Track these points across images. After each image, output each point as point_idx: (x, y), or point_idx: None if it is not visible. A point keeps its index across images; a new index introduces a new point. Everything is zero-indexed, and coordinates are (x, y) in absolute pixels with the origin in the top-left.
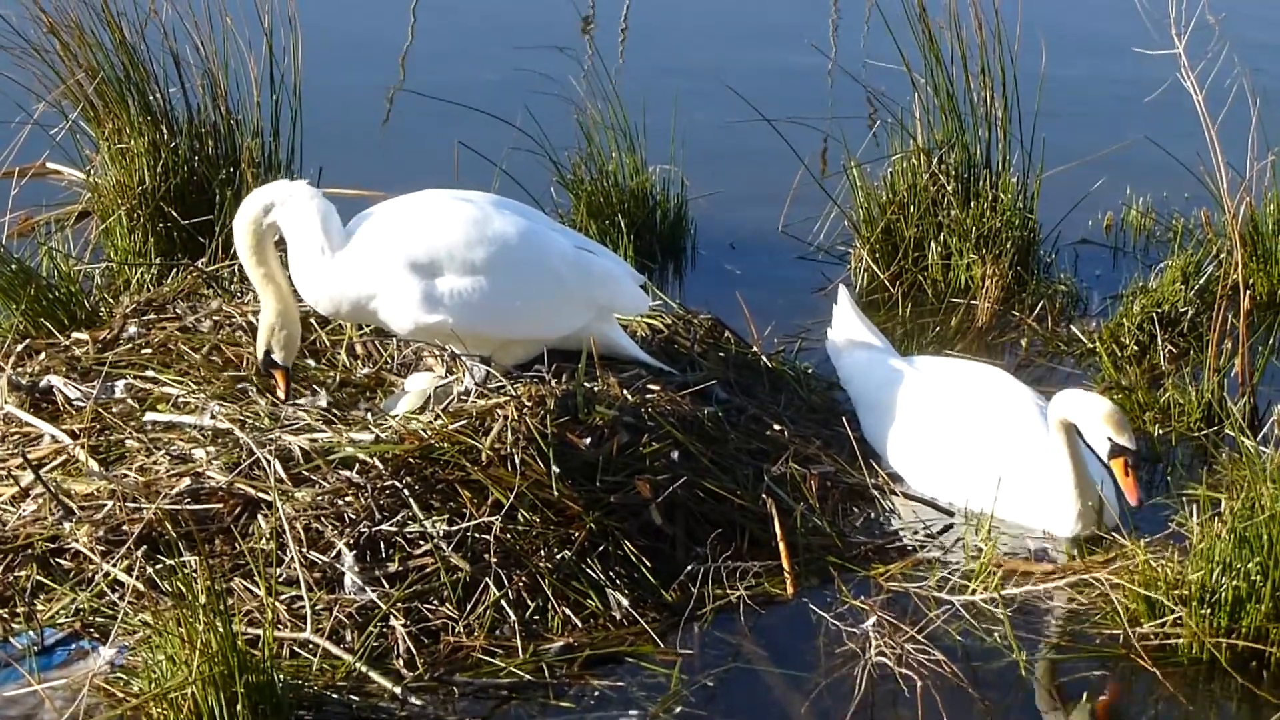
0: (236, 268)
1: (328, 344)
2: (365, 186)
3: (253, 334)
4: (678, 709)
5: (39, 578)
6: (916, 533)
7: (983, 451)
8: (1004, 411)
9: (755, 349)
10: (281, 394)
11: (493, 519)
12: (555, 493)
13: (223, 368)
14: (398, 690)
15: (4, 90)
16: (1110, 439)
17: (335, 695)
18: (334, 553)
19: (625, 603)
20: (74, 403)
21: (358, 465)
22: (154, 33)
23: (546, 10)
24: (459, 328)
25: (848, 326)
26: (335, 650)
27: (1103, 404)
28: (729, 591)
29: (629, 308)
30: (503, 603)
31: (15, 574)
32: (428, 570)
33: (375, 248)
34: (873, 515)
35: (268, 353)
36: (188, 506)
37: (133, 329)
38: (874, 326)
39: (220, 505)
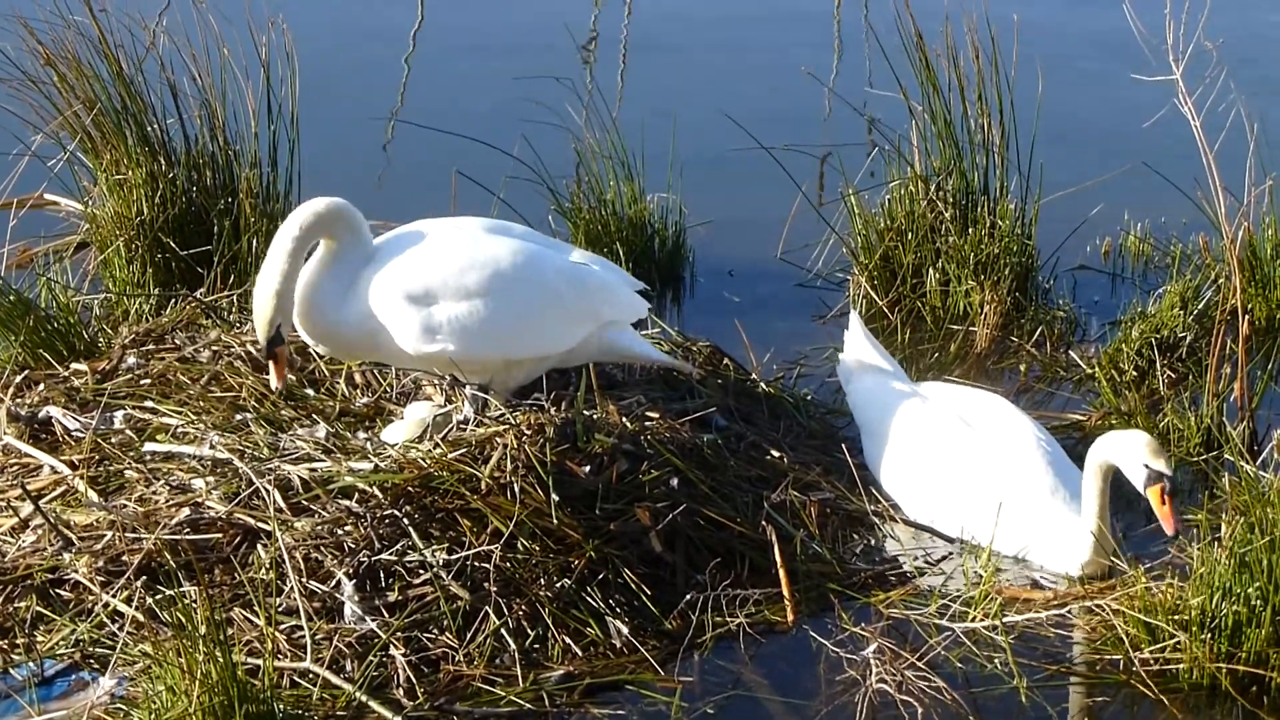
0: (235, 298)
1: (327, 374)
2: (363, 216)
3: (253, 362)
4: None
5: (38, 609)
6: (916, 559)
7: (986, 485)
8: (1009, 445)
9: (754, 376)
10: (276, 381)
11: (492, 547)
12: (555, 521)
13: (221, 398)
14: None
15: (2, 122)
16: (1146, 465)
17: None
18: (334, 582)
19: (625, 631)
20: (73, 433)
21: (357, 494)
22: (151, 64)
23: (544, 39)
24: (461, 354)
25: (859, 352)
26: (335, 680)
27: (1141, 435)
28: (729, 619)
29: (628, 315)
30: (503, 631)
31: (15, 605)
32: (427, 599)
33: (370, 285)
34: (873, 542)
35: (278, 328)
36: (187, 536)
37: (131, 360)
38: (885, 351)
39: (220, 535)
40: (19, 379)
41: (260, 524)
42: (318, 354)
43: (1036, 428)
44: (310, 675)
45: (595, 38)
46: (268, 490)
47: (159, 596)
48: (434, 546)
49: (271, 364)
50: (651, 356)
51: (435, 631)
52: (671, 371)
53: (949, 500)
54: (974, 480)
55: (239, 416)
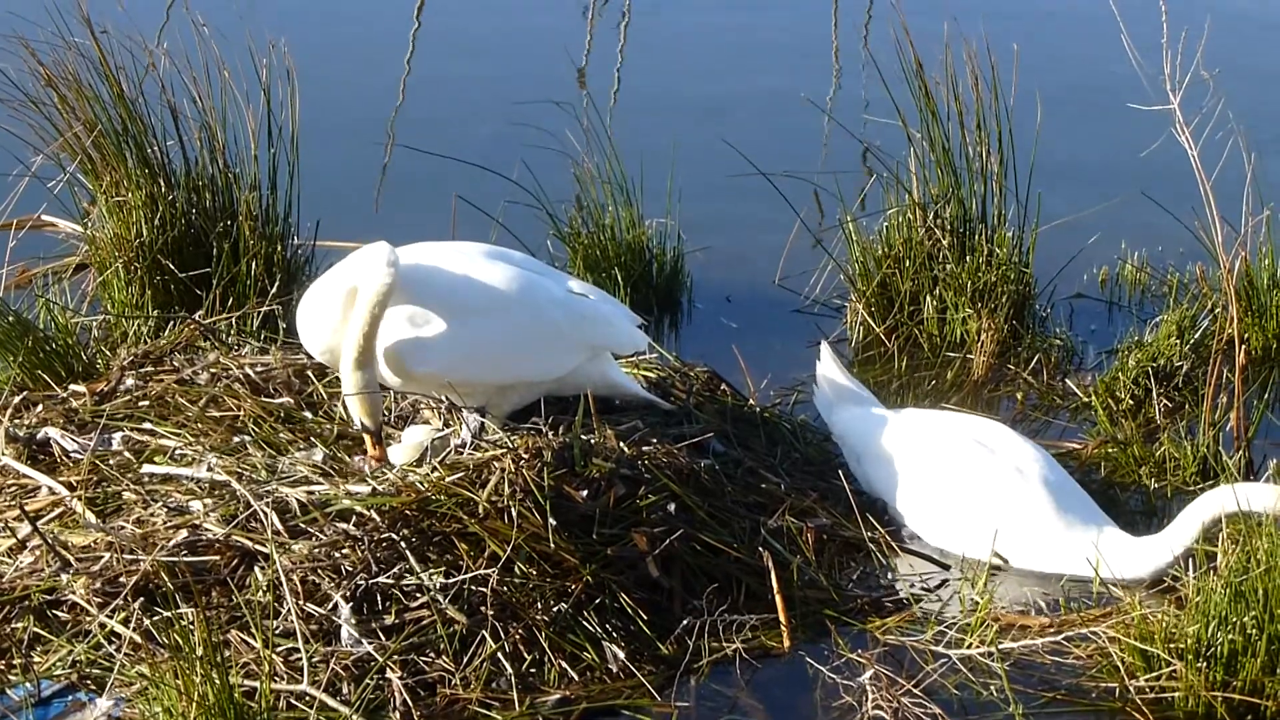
0: (234, 320)
1: (325, 396)
2: (362, 240)
3: (251, 385)
4: None
5: (36, 629)
6: (913, 586)
7: (1010, 499)
8: (1018, 458)
9: (751, 401)
10: (374, 452)
11: (489, 571)
12: (552, 545)
13: (220, 420)
14: None
15: (1, 143)
16: None
17: None
18: (331, 605)
19: (622, 655)
20: (71, 455)
21: (355, 518)
22: (152, 86)
23: (543, 65)
24: (452, 376)
25: (834, 382)
26: (332, 703)
27: None
28: (725, 644)
29: (625, 346)
30: (499, 655)
31: (12, 626)
32: (424, 622)
33: None
34: (869, 568)
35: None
36: (185, 558)
37: (130, 381)
38: (857, 381)
39: (217, 557)
40: (17, 400)
41: (258, 546)
42: (314, 378)
43: (1033, 445)
44: (307, 698)
45: (591, 62)
46: (265, 513)
47: (156, 618)
48: (431, 570)
49: (375, 447)
50: (637, 393)
51: (432, 655)
52: (668, 397)
53: (972, 517)
54: (999, 495)
55: (237, 439)
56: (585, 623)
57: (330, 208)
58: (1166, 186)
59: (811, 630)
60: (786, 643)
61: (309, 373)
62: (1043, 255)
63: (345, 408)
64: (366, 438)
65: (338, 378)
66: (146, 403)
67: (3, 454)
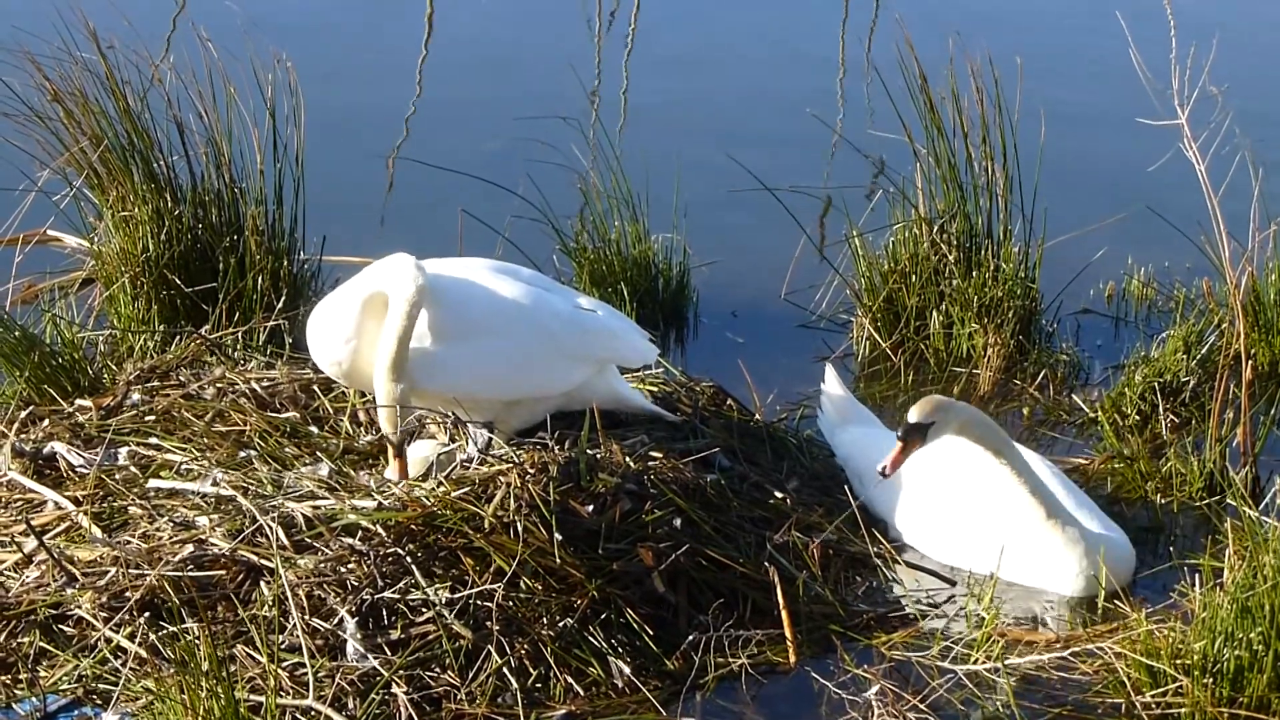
0: (240, 335)
1: (331, 411)
2: (368, 255)
3: (257, 399)
4: None
5: (42, 644)
6: (919, 601)
7: (1000, 517)
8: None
9: (757, 416)
10: (398, 474)
11: (495, 586)
12: (558, 560)
13: (225, 435)
14: None
15: (8, 157)
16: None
17: None
18: (336, 620)
19: (627, 671)
20: (77, 469)
21: (360, 532)
22: (158, 101)
23: (549, 80)
24: (459, 392)
25: (838, 404)
26: (337, 718)
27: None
28: (731, 660)
29: (633, 359)
30: (505, 670)
31: (18, 640)
32: (430, 637)
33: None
34: (875, 584)
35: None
36: (190, 573)
37: (136, 396)
38: (859, 404)
39: (223, 572)
40: (24, 414)
41: (263, 561)
42: (320, 392)
43: (1040, 461)
44: (313, 712)
45: (599, 79)
46: (271, 527)
47: (162, 633)
48: (437, 585)
49: (397, 460)
50: (643, 406)
51: (437, 670)
52: (674, 411)
53: (978, 532)
54: (1005, 511)
55: (243, 453)
56: (591, 638)
57: (336, 222)
58: (1173, 201)
59: (817, 645)
60: (792, 658)
61: (315, 387)
62: (1049, 270)
63: (372, 418)
64: (390, 449)
65: (344, 392)
66: (152, 417)
67: (9, 468)
